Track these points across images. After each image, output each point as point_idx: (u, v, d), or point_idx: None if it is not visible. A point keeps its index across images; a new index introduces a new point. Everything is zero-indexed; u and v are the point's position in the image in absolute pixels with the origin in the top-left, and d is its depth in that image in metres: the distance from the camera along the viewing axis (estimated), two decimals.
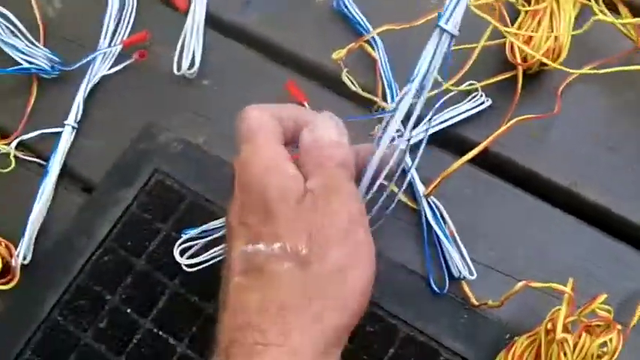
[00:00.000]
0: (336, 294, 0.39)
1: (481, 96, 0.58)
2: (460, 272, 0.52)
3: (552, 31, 0.53)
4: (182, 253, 0.51)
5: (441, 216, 0.54)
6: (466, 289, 0.52)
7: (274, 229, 0.39)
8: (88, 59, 0.61)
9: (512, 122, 0.50)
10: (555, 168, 0.56)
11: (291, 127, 0.43)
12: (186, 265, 0.50)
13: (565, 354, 0.43)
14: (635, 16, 0.56)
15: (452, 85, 0.55)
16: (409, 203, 0.55)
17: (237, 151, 0.41)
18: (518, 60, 0.53)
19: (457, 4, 0.41)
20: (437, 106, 0.55)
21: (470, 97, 0.58)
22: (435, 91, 0.55)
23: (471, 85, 0.57)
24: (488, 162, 0.57)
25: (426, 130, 0.50)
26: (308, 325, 0.38)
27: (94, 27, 0.64)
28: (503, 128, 0.49)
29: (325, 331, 0.38)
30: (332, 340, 0.39)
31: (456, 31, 0.41)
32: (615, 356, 0.43)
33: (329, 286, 0.39)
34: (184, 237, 0.51)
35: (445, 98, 0.56)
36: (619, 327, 0.43)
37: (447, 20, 0.41)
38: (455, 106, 0.57)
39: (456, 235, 0.53)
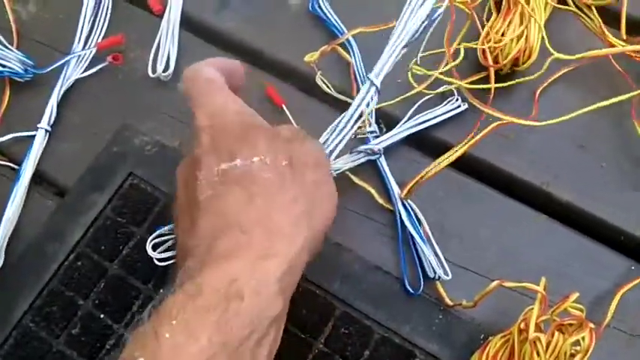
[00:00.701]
0: (317, 200, 0.41)
1: (457, 100, 0.58)
2: (435, 273, 0.52)
3: (523, 33, 0.53)
4: (154, 248, 0.50)
5: (416, 217, 0.54)
6: (440, 289, 0.52)
7: (253, 146, 0.39)
8: (62, 62, 0.61)
9: (492, 126, 0.50)
10: (528, 168, 0.57)
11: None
12: (158, 259, 0.50)
13: (538, 353, 0.43)
14: (602, 18, 0.57)
15: (426, 88, 0.56)
16: (384, 204, 0.55)
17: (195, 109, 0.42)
18: (490, 62, 0.54)
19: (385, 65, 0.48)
20: (412, 110, 0.56)
21: (446, 101, 0.58)
22: (411, 93, 0.56)
23: (446, 87, 0.57)
24: (462, 163, 0.57)
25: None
26: (294, 225, 0.38)
27: (69, 30, 0.63)
28: (483, 133, 0.50)
29: (311, 230, 0.39)
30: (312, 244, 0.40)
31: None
32: (588, 355, 0.43)
33: (310, 193, 0.40)
34: (157, 232, 0.50)
35: (420, 102, 0.57)
36: (591, 325, 0.44)
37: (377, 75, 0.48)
38: (431, 109, 0.58)
39: (430, 235, 0.54)
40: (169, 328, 0.33)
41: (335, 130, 0.49)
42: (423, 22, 0.46)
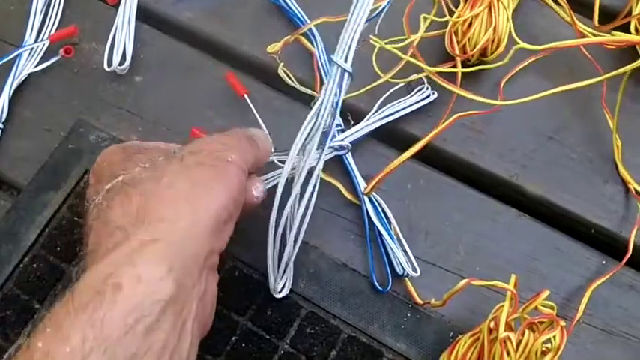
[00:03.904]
0: (201, 179, 0.40)
1: (427, 88, 0.56)
2: (404, 270, 0.50)
3: (491, 23, 0.52)
4: None
5: (383, 212, 0.53)
6: (409, 286, 0.51)
7: (134, 161, 0.41)
8: (13, 56, 0.58)
9: (453, 118, 0.49)
10: (496, 160, 0.56)
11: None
12: None
13: (508, 353, 0.42)
14: (575, 6, 0.56)
15: (391, 77, 0.54)
16: (352, 200, 0.54)
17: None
18: (457, 51, 0.52)
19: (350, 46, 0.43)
20: (380, 101, 0.55)
21: (415, 90, 0.57)
22: (377, 82, 0.55)
23: (415, 75, 0.56)
24: (430, 156, 0.56)
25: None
26: (170, 208, 0.38)
27: (20, 22, 0.60)
28: (444, 124, 0.48)
29: (199, 209, 0.39)
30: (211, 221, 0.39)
31: (349, 67, 0.43)
32: (559, 353, 0.43)
33: (192, 175, 0.40)
34: None
35: (390, 92, 0.55)
36: (562, 323, 0.43)
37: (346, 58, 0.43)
38: (400, 99, 0.56)
39: (398, 231, 0.52)
40: (42, 336, 0.33)
41: (310, 126, 0.45)
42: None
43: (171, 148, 0.44)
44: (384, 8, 0.45)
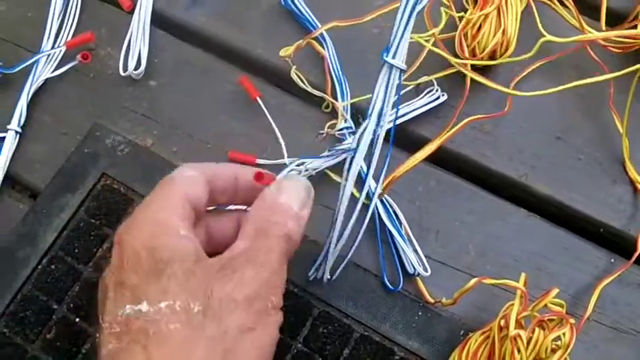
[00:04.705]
0: (239, 351, 0.35)
1: (437, 90, 0.57)
2: (415, 269, 0.51)
3: (500, 25, 0.53)
4: None
5: (394, 213, 0.54)
6: (420, 285, 0.52)
7: (163, 286, 0.34)
8: (31, 62, 0.59)
9: (464, 122, 0.49)
10: (506, 161, 0.56)
11: (228, 186, 0.42)
12: None
13: (519, 350, 0.43)
14: (579, 8, 0.56)
15: (404, 80, 0.55)
16: (363, 201, 0.54)
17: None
18: (467, 54, 0.53)
19: (402, 38, 0.40)
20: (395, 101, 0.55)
21: (425, 92, 0.57)
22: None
23: (423, 79, 0.56)
24: (440, 158, 0.56)
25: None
26: None
27: (37, 28, 0.62)
28: (455, 128, 0.49)
29: None
30: None
31: (404, 65, 0.41)
32: (569, 350, 0.43)
33: (229, 344, 0.35)
34: None
35: (400, 94, 0.56)
36: (572, 321, 0.43)
37: (394, 55, 0.40)
38: (409, 101, 0.57)
39: (409, 231, 0.53)
40: None
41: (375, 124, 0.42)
42: None
43: (209, 278, 0.36)
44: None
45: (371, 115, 0.42)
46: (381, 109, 0.41)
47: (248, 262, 0.37)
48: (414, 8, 0.40)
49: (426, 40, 0.52)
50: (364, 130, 0.42)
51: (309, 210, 0.41)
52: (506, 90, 0.50)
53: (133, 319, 0.34)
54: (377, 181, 0.53)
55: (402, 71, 0.41)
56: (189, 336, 0.34)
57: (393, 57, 0.40)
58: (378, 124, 0.42)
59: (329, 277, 0.49)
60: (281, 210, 0.40)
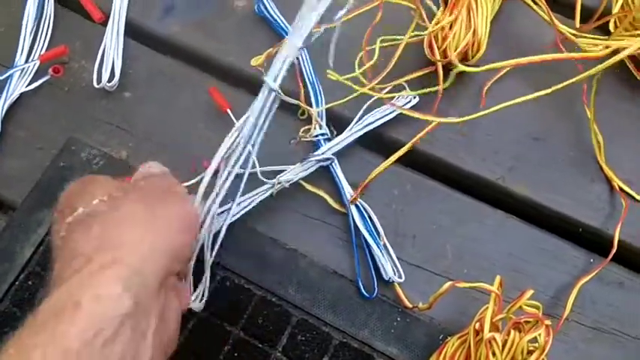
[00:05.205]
0: (159, 206, 0.42)
1: (409, 96, 0.57)
2: (389, 277, 0.51)
3: (470, 26, 0.53)
4: None
5: (370, 218, 0.53)
6: (399, 291, 0.51)
7: (90, 193, 0.42)
8: (5, 76, 0.59)
9: (432, 125, 0.49)
10: (482, 163, 0.56)
11: None
12: None
13: (494, 353, 0.43)
14: (553, 7, 0.56)
15: (377, 84, 0.55)
16: (339, 208, 0.54)
17: None
18: (437, 57, 0.53)
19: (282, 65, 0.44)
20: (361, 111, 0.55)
21: (397, 97, 0.57)
22: (357, 93, 0.55)
23: (396, 86, 0.56)
24: (416, 161, 0.56)
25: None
26: (130, 233, 0.40)
27: (10, 43, 0.61)
28: (424, 131, 0.49)
29: (156, 232, 0.41)
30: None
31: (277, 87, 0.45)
32: (545, 351, 0.43)
33: (149, 203, 0.42)
34: None
35: (373, 99, 0.56)
36: (547, 322, 0.43)
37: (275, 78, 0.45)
38: (382, 107, 0.57)
39: (384, 238, 0.53)
40: (5, 358, 0.34)
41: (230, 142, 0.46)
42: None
43: (124, 183, 0.46)
44: (321, 34, 0.45)
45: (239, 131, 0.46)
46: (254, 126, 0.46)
47: (148, 182, 0.46)
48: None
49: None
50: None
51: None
52: (467, 118, 0.50)
53: (74, 220, 0.41)
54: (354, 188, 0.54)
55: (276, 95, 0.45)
56: (113, 205, 0.41)
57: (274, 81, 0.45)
58: (247, 141, 0.46)
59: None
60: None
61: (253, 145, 0.46)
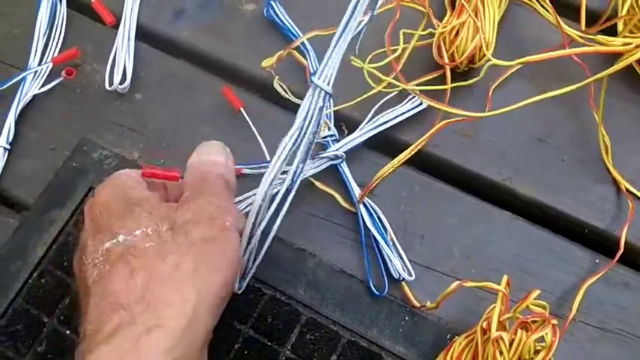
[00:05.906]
0: (208, 257, 0.40)
1: (417, 98, 0.57)
2: (399, 274, 0.51)
3: (478, 29, 0.53)
4: None
5: (378, 218, 0.54)
6: (406, 290, 0.52)
7: (134, 219, 0.40)
8: (18, 78, 0.60)
9: (440, 124, 0.50)
10: (489, 165, 0.57)
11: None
12: None
13: (501, 352, 0.43)
14: (558, 10, 0.57)
15: (384, 87, 0.55)
16: (348, 207, 0.55)
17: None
18: (446, 60, 0.53)
19: (328, 62, 0.44)
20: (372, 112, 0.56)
21: (407, 99, 0.58)
22: (369, 94, 0.56)
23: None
24: (423, 163, 0.57)
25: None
26: (176, 292, 0.38)
27: (24, 46, 0.62)
28: (432, 131, 0.50)
29: (202, 291, 0.39)
30: (206, 303, 0.39)
31: (330, 89, 0.44)
32: (552, 351, 0.43)
33: (198, 252, 0.40)
34: None
35: (383, 101, 0.57)
36: (554, 322, 0.43)
37: (320, 76, 0.44)
38: (391, 109, 0.57)
39: (393, 236, 0.53)
40: None
41: (293, 141, 0.45)
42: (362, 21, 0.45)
43: (171, 210, 0.42)
44: (362, 28, 0.46)
45: (293, 134, 0.44)
46: (301, 126, 0.44)
47: (199, 196, 0.43)
48: (340, 37, 0.44)
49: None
50: (284, 147, 0.44)
51: (232, 159, 0.47)
52: (477, 115, 0.50)
53: (113, 249, 0.39)
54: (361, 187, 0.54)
55: (327, 94, 0.44)
56: (162, 247, 0.39)
57: (319, 78, 0.44)
58: (297, 139, 0.44)
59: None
60: (209, 163, 0.45)
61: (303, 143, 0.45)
